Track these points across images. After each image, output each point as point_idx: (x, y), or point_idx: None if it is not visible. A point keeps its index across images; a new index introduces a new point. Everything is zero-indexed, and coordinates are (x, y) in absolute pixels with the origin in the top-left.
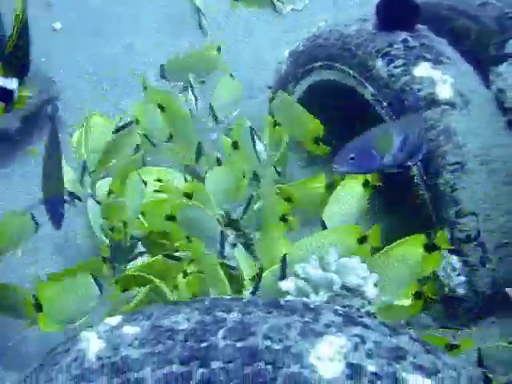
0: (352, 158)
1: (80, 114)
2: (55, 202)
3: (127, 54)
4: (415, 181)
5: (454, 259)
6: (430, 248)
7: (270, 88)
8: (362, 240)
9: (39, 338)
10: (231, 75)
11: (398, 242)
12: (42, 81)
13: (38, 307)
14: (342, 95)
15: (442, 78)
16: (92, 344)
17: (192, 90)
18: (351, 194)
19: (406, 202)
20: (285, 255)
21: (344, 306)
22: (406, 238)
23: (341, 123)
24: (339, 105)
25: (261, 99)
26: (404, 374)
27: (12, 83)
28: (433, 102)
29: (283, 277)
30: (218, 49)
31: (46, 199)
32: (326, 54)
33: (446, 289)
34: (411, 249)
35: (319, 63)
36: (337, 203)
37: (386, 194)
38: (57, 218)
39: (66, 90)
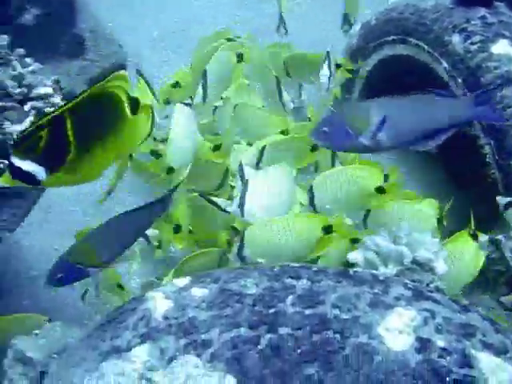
0: (326, 132)
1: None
2: (73, 270)
3: (193, 21)
4: (487, 160)
5: None
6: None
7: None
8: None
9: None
10: None
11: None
12: (109, 44)
13: None
14: (413, 71)
15: None
16: (159, 304)
17: None
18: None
19: (476, 181)
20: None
21: (413, 281)
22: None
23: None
24: (410, 81)
25: None
26: (473, 351)
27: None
28: (510, 80)
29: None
30: None
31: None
32: (400, 28)
33: None
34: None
35: (392, 37)
36: None
37: (456, 170)
38: (55, 279)
39: (131, 55)
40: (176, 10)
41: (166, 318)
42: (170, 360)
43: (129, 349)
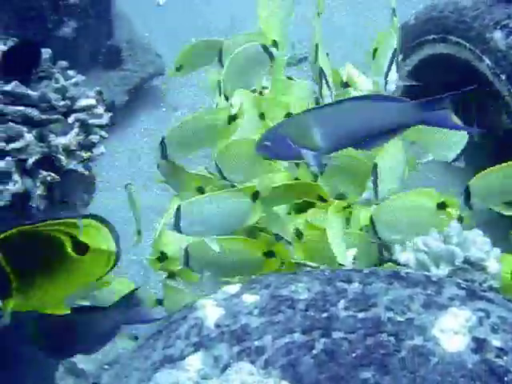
0: (268, 146)
1: (183, 90)
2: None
3: (232, 28)
4: None
5: None
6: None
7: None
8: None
9: None
10: None
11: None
12: (146, 54)
13: None
14: (455, 70)
15: None
16: (210, 312)
17: None
18: None
19: None
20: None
21: (466, 280)
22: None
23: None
24: (451, 80)
25: None
26: None
27: None
28: None
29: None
30: None
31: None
32: (440, 27)
33: None
34: None
35: (432, 36)
36: None
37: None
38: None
39: (170, 64)
40: (214, 17)
41: (218, 325)
42: (225, 368)
43: (182, 358)
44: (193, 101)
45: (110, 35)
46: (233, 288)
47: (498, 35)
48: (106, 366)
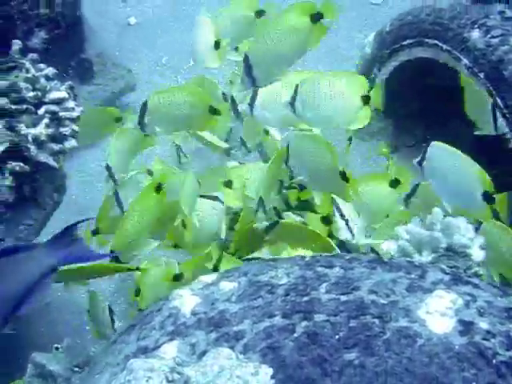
0: None
1: None
2: None
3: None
4: None
5: None
6: None
7: None
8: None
9: None
10: None
11: None
12: (117, 69)
13: None
14: (432, 73)
15: None
16: (186, 300)
17: None
18: None
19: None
20: None
21: (450, 267)
22: None
23: (433, 101)
24: (429, 83)
25: None
26: None
27: None
28: None
29: None
30: None
31: None
32: (416, 31)
33: None
34: None
35: (408, 41)
36: None
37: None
38: None
39: (140, 80)
40: (185, 34)
41: (194, 313)
42: (202, 354)
43: (157, 348)
44: None
45: (81, 49)
46: (209, 277)
47: (476, 34)
48: (76, 368)
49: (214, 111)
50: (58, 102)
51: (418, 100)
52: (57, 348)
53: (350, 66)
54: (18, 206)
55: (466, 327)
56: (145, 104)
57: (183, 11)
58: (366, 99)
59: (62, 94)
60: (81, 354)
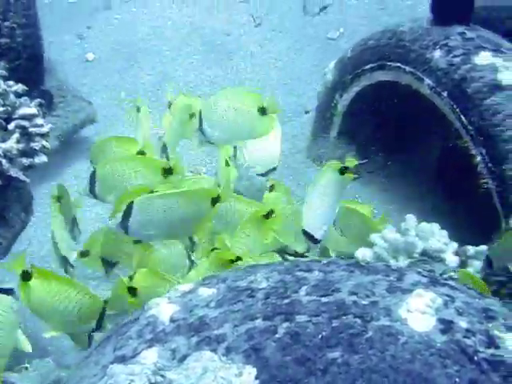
0: None
1: None
2: None
3: (159, 82)
4: (478, 169)
5: None
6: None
7: (306, 112)
8: None
9: None
10: None
11: None
12: (77, 101)
13: None
14: (395, 96)
15: (504, 64)
16: (164, 309)
17: None
18: None
19: (469, 192)
20: None
21: (426, 271)
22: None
23: (397, 124)
24: (392, 106)
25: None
26: (497, 332)
27: None
28: (496, 87)
29: None
30: None
31: None
32: (378, 55)
33: None
34: None
35: (370, 65)
36: None
37: (448, 183)
38: None
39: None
40: (145, 70)
41: (173, 320)
42: (183, 358)
43: (135, 355)
44: None
45: (41, 81)
46: (186, 286)
47: (437, 54)
48: None
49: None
50: (28, 117)
51: (380, 126)
52: (26, 368)
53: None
54: None
55: (447, 325)
56: (93, 173)
57: (140, 49)
58: (262, 110)
59: (32, 110)
60: (52, 372)
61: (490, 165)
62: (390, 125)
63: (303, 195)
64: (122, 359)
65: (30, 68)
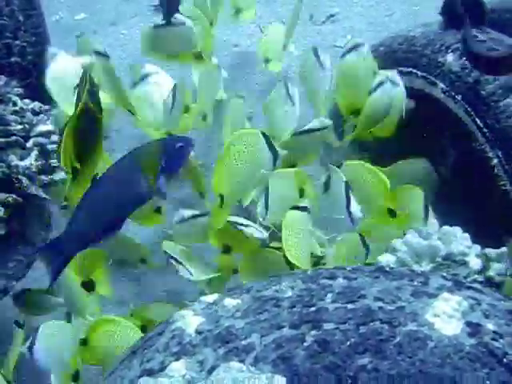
0: None
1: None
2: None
3: None
4: (495, 172)
5: None
6: None
7: None
8: None
9: None
10: None
11: None
12: None
13: None
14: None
15: None
16: (189, 321)
17: None
18: None
19: (486, 194)
20: None
21: (450, 275)
22: None
23: (411, 129)
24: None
25: None
26: None
27: None
28: (511, 89)
29: None
30: None
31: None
32: (389, 61)
33: None
34: None
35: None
36: None
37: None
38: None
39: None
40: None
41: (199, 332)
42: (211, 370)
43: (163, 368)
44: None
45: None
46: (210, 297)
47: (450, 58)
48: None
49: None
50: (45, 134)
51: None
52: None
53: None
54: (5, 240)
55: (474, 328)
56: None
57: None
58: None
59: (49, 127)
60: None
61: (506, 167)
62: (404, 130)
63: None
64: (150, 372)
65: (41, 86)
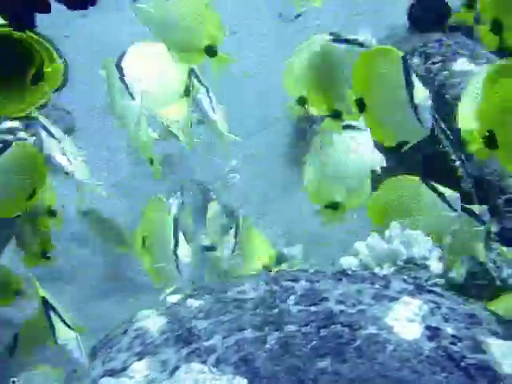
0: None
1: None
2: None
3: None
4: (459, 173)
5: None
6: None
7: None
8: None
9: None
10: None
11: None
12: (55, 111)
13: None
14: None
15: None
16: (153, 320)
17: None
18: None
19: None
20: None
21: (411, 278)
22: None
23: None
24: None
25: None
26: (483, 337)
27: None
28: None
29: None
30: None
31: None
32: None
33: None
34: None
35: None
36: None
37: None
38: None
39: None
40: None
41: (162, 332)
42: (174, 371)
43: (125, 368)
44: None
45: None
46: (174, 298)
47: (416, 61)
48: None
49: None
50: (11, 131)
51: None
52: (13, 382)
53: None
54: None
55: (434, 332)
56: None
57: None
58: None
59: (15, 123)
60: None
61: (469, 170)
62: None
63: None
64: (112, 373)
65: None
